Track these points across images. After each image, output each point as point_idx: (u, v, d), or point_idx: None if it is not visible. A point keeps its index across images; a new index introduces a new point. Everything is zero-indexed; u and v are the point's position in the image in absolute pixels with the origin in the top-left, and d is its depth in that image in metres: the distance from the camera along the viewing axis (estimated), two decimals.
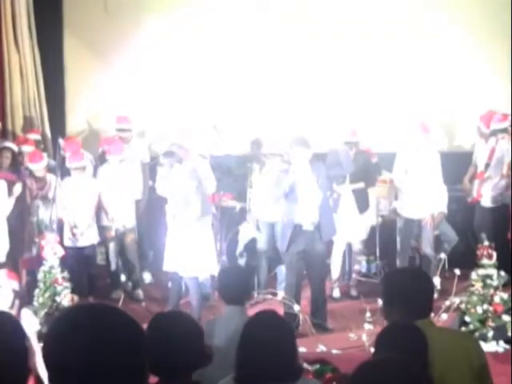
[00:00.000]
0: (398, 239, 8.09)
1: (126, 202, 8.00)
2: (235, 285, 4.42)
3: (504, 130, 8.08)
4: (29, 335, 5.19)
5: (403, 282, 3.26)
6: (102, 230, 7.94)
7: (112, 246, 8.07)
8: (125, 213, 7.95)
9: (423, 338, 2.95)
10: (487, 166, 8.19)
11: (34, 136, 8.62)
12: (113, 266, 8.16)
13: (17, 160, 8.04)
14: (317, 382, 3.53)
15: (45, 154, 8.16)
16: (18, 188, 7.41)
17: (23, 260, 7.67)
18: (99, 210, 7.90)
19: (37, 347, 5.31)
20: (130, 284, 8.16)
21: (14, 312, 5.21)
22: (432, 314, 6.04)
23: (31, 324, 5.34)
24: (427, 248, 7.96)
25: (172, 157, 7.15)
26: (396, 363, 2.09)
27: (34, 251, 7.49)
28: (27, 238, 7.70)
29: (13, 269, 7.55)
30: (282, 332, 3.03)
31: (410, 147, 7.91)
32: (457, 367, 3.11)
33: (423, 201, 7.78)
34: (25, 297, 7.24)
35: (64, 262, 6.89)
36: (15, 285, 5.37)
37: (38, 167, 7.77)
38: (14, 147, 8.02)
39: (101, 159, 8.56)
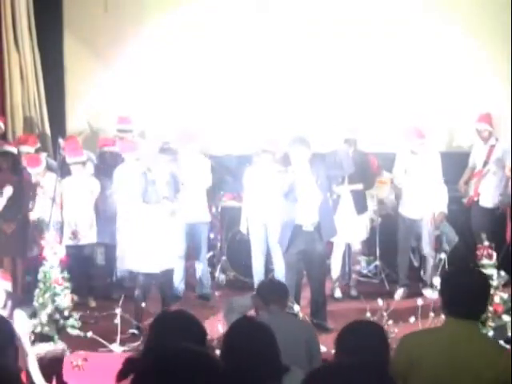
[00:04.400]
0: (398, 239, 8.08)
1: None
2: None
3: None
4: (20, 336, 5.21)
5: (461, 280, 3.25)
6: (115, 230, 7.94)
7: None
8: None
9: (383, 335, 2.96)
10: (485, 164, 8.19)
11: (29, 149, 8.31)
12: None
13: (17, 161, 8.02)
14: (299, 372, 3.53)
15: (43, 156, 8.15)
16: (8, 190, 7.39)
17: (25, 259, 7.68)
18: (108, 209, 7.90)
19: (29, 348, 5.32)
20: (132, 284, 8.11)
21: (6, 313, 5.21)
22: (432, 314, 6.08)
23: (24, 325, 5.35)
24: (427, 248, 7.97)
25: (171, 153, 7.10)
26: (353, 368, 2.08)
27: (36, 250, 7.49)
28: (30, 238, 7.71)
29: (12, 269, 7.59)
30: (263, 336, 3.06)
31: (408, 149, 7.92)
32: (481, 377, 3.08)
33: (423, 201, 7.79)
34: (19, 297, 7.27)
35: (64, 262, 6.87)
36: (7, 285, 5.38)
37: (37, 171, 7.78)
38: (14, 150, 7.97)
39: (100, 159, 8.55)
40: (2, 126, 8.67)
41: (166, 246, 6.93)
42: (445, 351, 3.11)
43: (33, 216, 7.76)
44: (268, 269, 8.05)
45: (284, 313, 4.86)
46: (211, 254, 8.61)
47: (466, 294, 3.17)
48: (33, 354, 5.39)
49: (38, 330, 6.09)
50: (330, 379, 1.98)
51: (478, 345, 3.19)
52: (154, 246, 6.83)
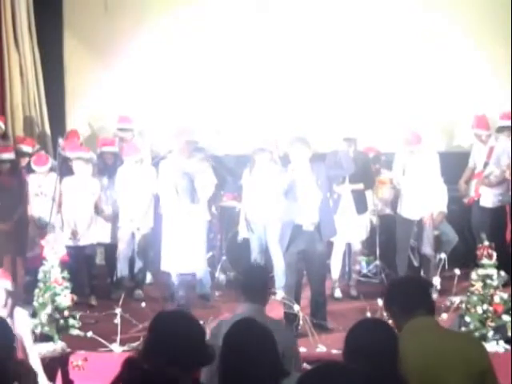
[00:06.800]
0: (397, 240, 8.07)
1: (144, 204, 7.97)
2: (260, 283, 4.37)
3: (508, 128, 8.10)
4: (22, 334, 5.24)
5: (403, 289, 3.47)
6: (116, 230, 7.97)
7: (125, 247, 8.03)
8: (143, 214, 7.93)
9: (393, 334, 2.96)
10: (486, 164, 8.19)
11: (28, 148, 8.34)
12: (120, 267, 8.09)
13: (15, 164, 8.02)
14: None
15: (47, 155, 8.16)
16: None
17: (24, 259, 7.68)
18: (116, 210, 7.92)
19: (31, 346, 5.34)
20: (132, 284, 8.12)
21: (6, 311, 5.26)
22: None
23: (25, 323, 5.38)
24: (427, 248, 7.96)
25: (202, 152, 7.16)
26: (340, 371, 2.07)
27: (36, 250, 7.49)
28: (30, 237, 7.71)
29: (12, 268, 7.59)
30: (263, 338, 3.05)
31: (406, 149, 7.91)
32: (454, 370, 3.11)
33: (422, 201, 7.78)
34: (20, 295, 7.27)
35: (64, 262, 6.87)
36: (8, 284, 5.43)
37: (43, 170, 7.78)
38: (12, 156, 7.97)
39: (100, 159, 8.54)
40: (2, 126, 8.67)
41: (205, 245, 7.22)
42: (423, 349, 3.16)
43: (33, 216, 7.76)
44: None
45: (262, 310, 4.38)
46: (211, 254, 8.60)
47: (412, 295, 3.43)
48: (35, 351, 5.41)
49: (38, 329, 6.09)
50: (323, 380, 1.98)
51: (446, 340, 3.29)
52: (197, 246, 6.99)
